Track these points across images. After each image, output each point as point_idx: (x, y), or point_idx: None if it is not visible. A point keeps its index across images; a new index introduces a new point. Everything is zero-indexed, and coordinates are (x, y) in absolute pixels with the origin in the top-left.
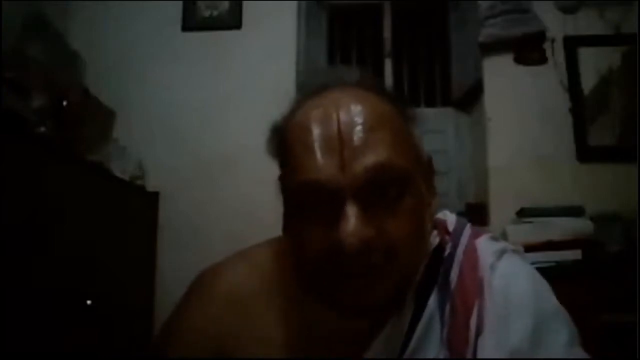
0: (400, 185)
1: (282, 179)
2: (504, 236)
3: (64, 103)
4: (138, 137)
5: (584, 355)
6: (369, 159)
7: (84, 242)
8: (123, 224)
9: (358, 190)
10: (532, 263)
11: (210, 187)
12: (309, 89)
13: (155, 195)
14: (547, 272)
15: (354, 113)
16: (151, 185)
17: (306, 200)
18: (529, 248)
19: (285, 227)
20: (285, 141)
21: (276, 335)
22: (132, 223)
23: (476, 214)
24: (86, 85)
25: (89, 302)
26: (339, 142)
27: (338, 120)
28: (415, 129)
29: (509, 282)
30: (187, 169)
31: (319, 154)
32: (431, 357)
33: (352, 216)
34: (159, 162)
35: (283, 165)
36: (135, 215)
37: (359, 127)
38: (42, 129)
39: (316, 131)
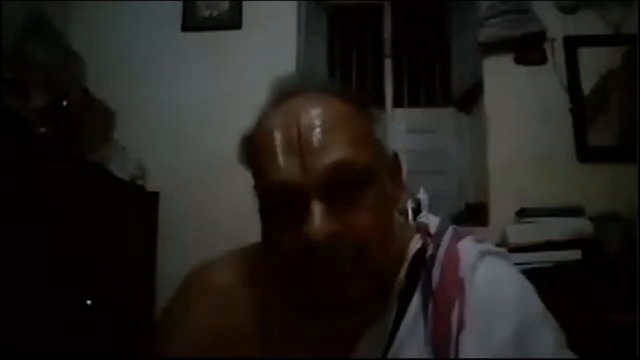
0: (363, 181)
1: (255, 187)
2: (504, 236)
3: (64, 103)
4: (138, 137)
5: (571, 356)
6: (329, 157)
7: (84, 242)
8: (123, 224)
9: (321, 188)
10: (532, 263)
11: (210, 187)
12: (273, 98)
13: (155, 195)
14: (547, 273)
15: (313, 116)
16: (151, 185)
17: (274, 203)
18: (529, 248)
19: (261, 227)
20: (252, 150)
21: (269, 330)
22: (132, 223)
23: (476, 214)
24: (86, 85)
25: (89, 302)
26: (300, 145)
27: (298, 124)
28: (376, 128)
29: (492, 283)
30: (187, 169)
31: (281, 157)
32: (415, 356)
33: (317, 212)
34: (159, 162)
35: (253, 172)
36: (135, 215)
37: (318, 129)
38: (42, 129)
39: (278, 137)
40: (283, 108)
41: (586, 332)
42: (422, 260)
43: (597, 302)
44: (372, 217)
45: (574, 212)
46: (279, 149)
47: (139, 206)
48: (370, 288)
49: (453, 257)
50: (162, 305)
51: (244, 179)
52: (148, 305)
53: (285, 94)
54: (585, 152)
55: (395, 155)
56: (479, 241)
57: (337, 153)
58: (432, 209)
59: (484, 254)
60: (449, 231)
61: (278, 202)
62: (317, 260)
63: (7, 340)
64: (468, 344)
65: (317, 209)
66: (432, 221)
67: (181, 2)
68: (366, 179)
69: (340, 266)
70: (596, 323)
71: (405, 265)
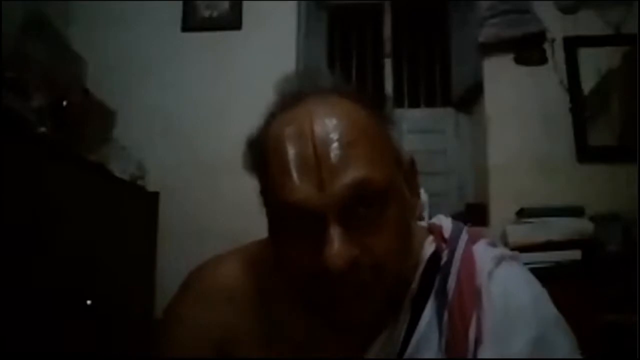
0: (382, 199)
1: (263, 194)
2: (503, 236)
3: (64, 103)
4: (138, 137)
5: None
6: (348, 177)
7: (84, 242)
8: (123, 224)
9: (339, 210)
10: (532, 263)
11: (210, 187)
12: (282, 99)
13: (155, 195)
14: (547, 273)
15: (329, 128)
16: (151, 185)
17: (288, 220)
18: (529, 248)
19: (272, 240)
20: (261, 158)
21: (272, 331)
22: (132, 223)
23: (476, 214)
24: (86, 85)
25: (89, 302)
26: (315, 161)
27: (313, 136)
28: (393, 131)
29: (508, 291)
30: (187, 169)
31: (296, 175)
32: None
33: (335, 237)
34: (159, 162)
35: (262, 181)
36: (135, 215)
37: (335, 144)
38: (42, 129)
39: (291, 150)
40: (294, 113)
41: (586, 332)
42: (436, 264)
43: (597, 302)
44: (392, 236)
45: (574, 212)
46: (292, 165)
47: (139, 206)
48: (386, 303)
49: (469, 263)
50: (162, 305)
51: (244, 180)
52: (148, 305)
53: (295, 96)
54: (585, 152)
55: (412, 158)
56: (493, 245)
57: (356, 171)
58: (432, 209)
59: (500, 259)
60: (464, 235)
61: (292, 220)
62: (334, 285)
63: (7, 340)
64: (488, 357)
65: (335, 233)
66: (444, 223)
67: (181, 3)
68: (385, 197)
69: (358, 289)
70: (596, 323)
71: (419, 270)
